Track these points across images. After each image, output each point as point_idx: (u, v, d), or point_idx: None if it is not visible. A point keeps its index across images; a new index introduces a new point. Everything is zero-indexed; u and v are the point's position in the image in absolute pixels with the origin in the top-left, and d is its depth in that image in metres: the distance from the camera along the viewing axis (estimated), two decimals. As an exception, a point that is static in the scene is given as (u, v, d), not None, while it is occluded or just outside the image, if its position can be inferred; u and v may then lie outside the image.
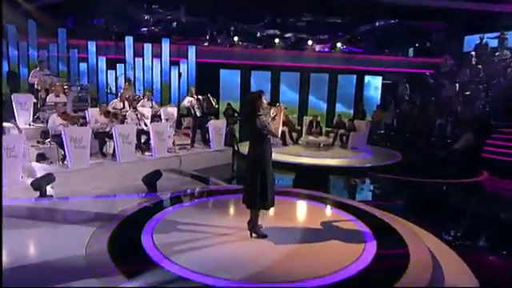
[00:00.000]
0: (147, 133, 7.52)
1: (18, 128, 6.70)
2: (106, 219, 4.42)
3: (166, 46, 13.52)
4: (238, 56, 14.31)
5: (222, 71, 14.10)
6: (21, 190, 5.61)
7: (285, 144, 10.51)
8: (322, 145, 10.64)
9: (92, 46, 12.75)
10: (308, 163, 8.78)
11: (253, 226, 4.00)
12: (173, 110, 9.27)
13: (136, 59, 13.24)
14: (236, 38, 14.53)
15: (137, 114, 7.92)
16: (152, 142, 7.51)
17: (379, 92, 15.25)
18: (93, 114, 7.42)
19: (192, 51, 13.82)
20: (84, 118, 7.50)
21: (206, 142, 8.70)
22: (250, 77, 14.35)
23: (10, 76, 10.89)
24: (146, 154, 7.61)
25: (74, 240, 3.82)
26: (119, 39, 13.24)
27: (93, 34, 12.78)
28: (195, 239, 3.87)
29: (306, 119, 11.42)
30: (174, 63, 13.58)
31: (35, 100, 7.85)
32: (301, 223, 4.63)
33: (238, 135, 10.11)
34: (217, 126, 8.73)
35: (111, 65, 12.93)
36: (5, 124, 7.45)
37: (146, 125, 7.70)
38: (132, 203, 5.11)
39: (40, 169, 6.45)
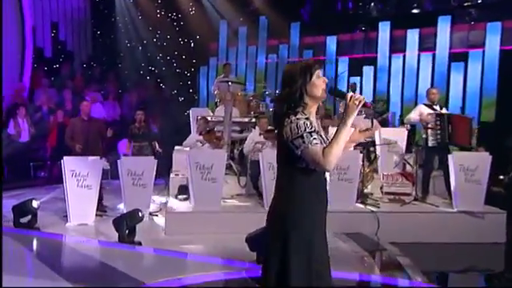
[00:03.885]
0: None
1: (154, 149, 7.59)
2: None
3: (444, 29, 12.04)
4: None
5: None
6: (139, 231, 6.07)
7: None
8: None
9: (331, 43, 13.25)
10: None
11: None
12: (397, 132, 7.93)
13: (393, 56, 12.67)
14: None
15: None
16: (328, 182, 6.56)
17: None
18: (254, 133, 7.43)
19: (496, 32, 11.45)
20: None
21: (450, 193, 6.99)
22: None
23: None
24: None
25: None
26: (371, 29, 13.03)
27: (334, 25, 13.22)
28: None
29: None
30: (459, 57, 11.97)
31: (211, 114, 8.75)
32: None
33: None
34: (468, 165, 6.60)
35: (357, 68, 12.94)
36: (177, 147, 8.69)
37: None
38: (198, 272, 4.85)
39: (177, 205, 6.97)
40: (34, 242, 5.90)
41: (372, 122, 8.42)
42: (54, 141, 9.46)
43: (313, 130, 2.51)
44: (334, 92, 2.70)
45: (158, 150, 8.06)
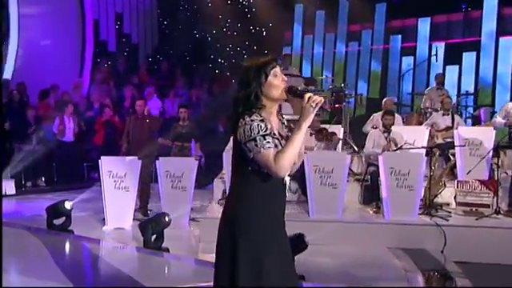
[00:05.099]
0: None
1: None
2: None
3: None
4: None
5: None
6: (175, 237, 6.28)
7: None
8: None
9: (424, 27, 12.75)
10: None
11: None
12: (483, 131, 7.44)
13: (500, 39, 12.11)
14: None
15: (387, 138, 7.12)
16: (384, 191, 6.40)
17: None
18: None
19: None
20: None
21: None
22: None
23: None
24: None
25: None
26: (474, 7, 12.36)
27: (427, 5, 12.61)
28: None
29: None
30: None
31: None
32: None
33: None
34: None
35: (455, 54, 12.45)
36: (227, 148, 8.83)
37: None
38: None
39: (216, 210, 7.04)
40: (58, 245, 6.24)
41: (453, 120, 8.03)
42: (101, 140, 10.00)
43: (267, 132, 2.60)
44: (291, 92, 2.70)
45: (197, 155, 8.18)
